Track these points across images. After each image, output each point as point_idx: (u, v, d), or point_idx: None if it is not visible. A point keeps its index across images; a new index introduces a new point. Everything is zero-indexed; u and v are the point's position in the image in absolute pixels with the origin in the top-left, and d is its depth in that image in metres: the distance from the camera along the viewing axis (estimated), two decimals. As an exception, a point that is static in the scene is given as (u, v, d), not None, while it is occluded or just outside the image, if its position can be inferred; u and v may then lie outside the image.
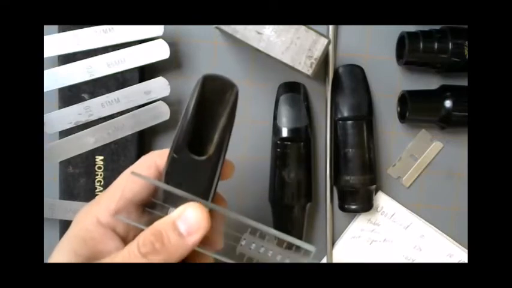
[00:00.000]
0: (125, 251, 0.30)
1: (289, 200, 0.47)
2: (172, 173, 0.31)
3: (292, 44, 0.40)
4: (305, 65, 0.40)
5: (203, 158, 0.30)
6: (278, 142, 0.47)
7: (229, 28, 0.40)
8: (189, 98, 0.31)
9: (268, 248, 0.31)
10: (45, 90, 0.43)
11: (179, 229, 0.29)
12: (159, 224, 0.30)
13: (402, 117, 0.49)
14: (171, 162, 0.31)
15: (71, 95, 0.44)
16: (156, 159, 0.33)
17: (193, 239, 0.29)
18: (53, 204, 0.45)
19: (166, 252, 0.29)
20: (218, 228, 0.32)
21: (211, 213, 0.31)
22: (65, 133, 0.45)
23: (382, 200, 0.50)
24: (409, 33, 0.46)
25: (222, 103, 0.31)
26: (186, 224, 0.29)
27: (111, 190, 0.33)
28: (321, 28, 0.45)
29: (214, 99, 0.31)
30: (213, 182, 0.31)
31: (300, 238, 0.48)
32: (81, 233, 0.31)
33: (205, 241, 0.30)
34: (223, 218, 0.33)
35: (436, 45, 0.45)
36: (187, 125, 0.30)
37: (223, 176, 0.33)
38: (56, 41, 0.43)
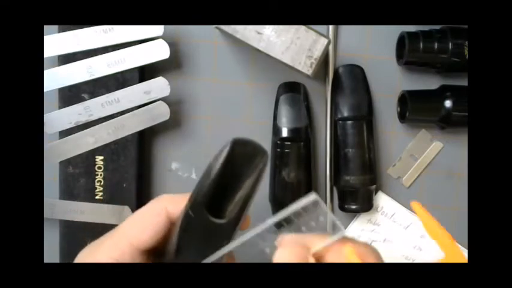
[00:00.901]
0: None
1: (289, 200, 0.46)
2: (187, 230, 0.29)
3: (292, 44, 0.40)
4: (305, 65, 0.40)
5: (223, 221, 0.28)
6: (278, 142, 0.47)
7: (229, 28, 0.40)
8: (213, 158, 0.29)
9: None
10: (45, 90, 0.43)
11: None
12: None
13: (402, 117, 0.49)
14: (187, 219, 0.29)
15: (71, 95, 0.44)
16: (166, 205, 0.31)
17: None
18: (53, 204, 0.45)
19: None
20: None
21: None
22: (65, 133, 0.44)
23: (382, 200, 0.50)
24: (409, 33, 0.46)
25: (249, 167, 0.29)
26: None
27: (115, 235, 0.31)
28: (321, 28, 0.45)
29: (242, 163, 0.29)
30: (229, 242, 0.29)
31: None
32: None
33: None
34: None
35: (436, 45, 0.45)
36: (209, 187, 0.28)
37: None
38: (56, 41, 0.43)
